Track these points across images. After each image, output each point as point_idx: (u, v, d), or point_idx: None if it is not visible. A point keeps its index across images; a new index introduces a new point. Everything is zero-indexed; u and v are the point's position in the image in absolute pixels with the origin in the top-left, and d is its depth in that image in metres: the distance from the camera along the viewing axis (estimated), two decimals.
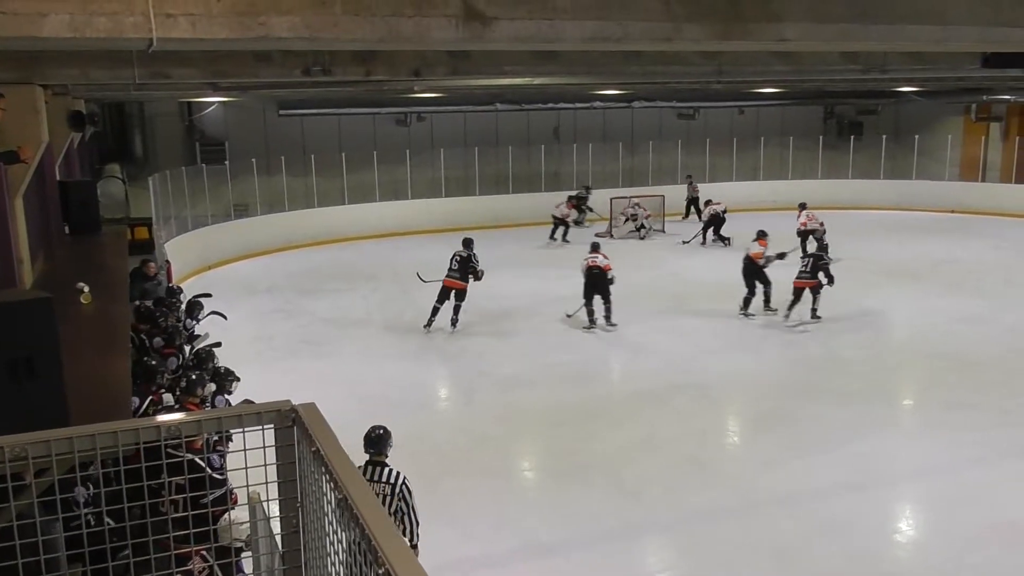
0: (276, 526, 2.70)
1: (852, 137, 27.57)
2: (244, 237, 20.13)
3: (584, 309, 13.50)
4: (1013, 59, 9.03)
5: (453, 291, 13.36)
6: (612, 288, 13.34)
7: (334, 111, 22.59)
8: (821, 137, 27.81)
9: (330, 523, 2.28)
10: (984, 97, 24.69)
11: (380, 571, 1.77)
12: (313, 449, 2.37)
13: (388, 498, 5.55)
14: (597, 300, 13.40)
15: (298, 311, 15.26)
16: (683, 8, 4.79)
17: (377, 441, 5.75)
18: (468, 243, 13.65)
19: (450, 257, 13.53)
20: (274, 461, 2.59)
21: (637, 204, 22.40)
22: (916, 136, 26.35)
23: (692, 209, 23.68)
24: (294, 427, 2.57)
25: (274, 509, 2.69)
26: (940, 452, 8.98)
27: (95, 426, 2.38)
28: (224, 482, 4.80)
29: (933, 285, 16.22)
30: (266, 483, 2.61)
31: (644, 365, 11.96)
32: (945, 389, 10.74)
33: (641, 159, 26.03)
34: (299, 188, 21.69)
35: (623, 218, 22.42)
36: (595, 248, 13.84)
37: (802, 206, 19.03)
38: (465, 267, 13.30)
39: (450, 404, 11.12)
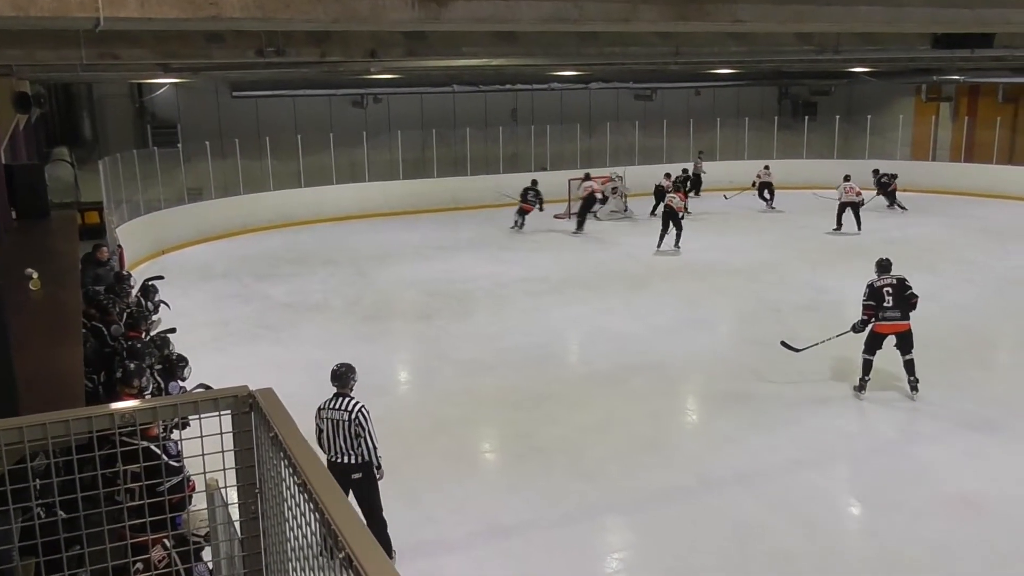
0: (235, 513, 2.67)
1: (806, 117, 27.90)
2: (198, 221, 19.86)
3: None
4: (962, 40, 9.17)
5: (896, 337, 9.68)
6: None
7: (289, 93, 22.31)
8: (776, 117, 28.13)
9: (289, 509, 2.27)
10: (934, 78, 25.12)
11: (341, 555, 1.77)
12: (271, 435, 2.35)
13: (346, 424, 6.32)
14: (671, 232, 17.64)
15: (255, 296, 15.11)
16: None
17: (341, 376, 6.53)
18: (888, 265, 9.99)
19: (871, 289, 9.72)
20: (232, 447, 2.57)
21: (619, 177, 22.38)
22: (868, 116, 26.75)
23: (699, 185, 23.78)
24: (252, 413, 2.55)
25: (232, 496, 2.67)
26: (893, 428, 9.17)
27: (46, 415, 2.33)
28: (181, 469, 4.75)
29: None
30: (224, 470, 2.59)
31: (601, 347, 12.02)
32: (897, 366, 10.92)
33: (598, 140, 26.10)
34: (254, 171, 21.41)
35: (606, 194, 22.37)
36: (677, 190, 18.85)
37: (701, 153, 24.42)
38: (903, 297, 9.63)
39: (410, 388, 11.10)
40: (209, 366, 9.03)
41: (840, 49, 11.70)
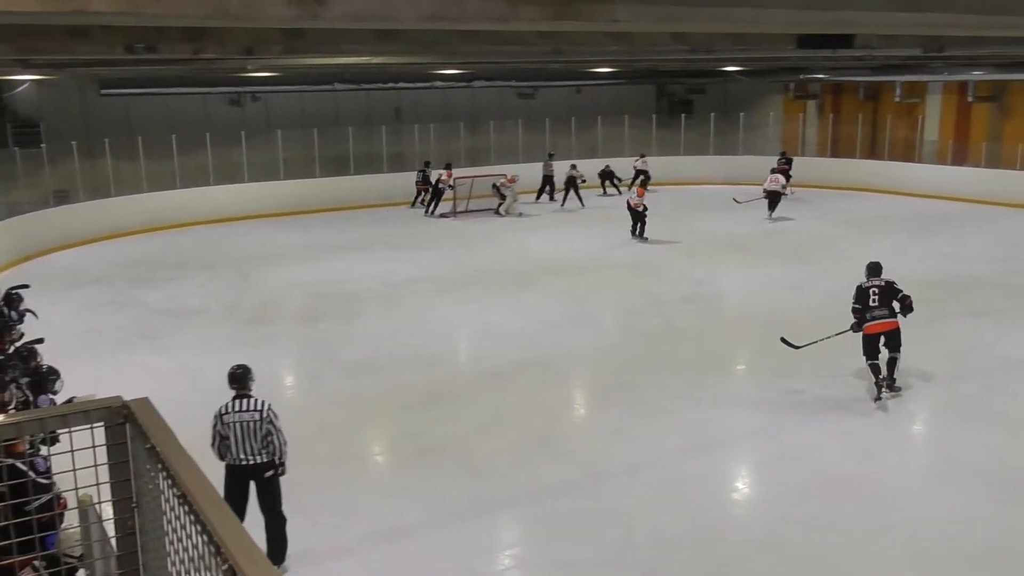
0: (110, 529, 2.57)
1: (683, 115, 28.74)
2: (66, 225, 18.97)
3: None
4: (824, 41, 9.64)
5: (884, 336, 9.49)
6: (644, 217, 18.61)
7: (162, 91, 21.53)
8: (654, 115, 28.87)
9: (169, 522, 2.19)
10: (800, 76, 26.31)
11: (224, 567, 1.72)
12: (148, 446, 2.27)
13: (258, 423, 6.29)
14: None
15: (130, 302, 14.53)
16: None
17: (240, 378, 6.49)
18: (879, 268, 9.69)
19: (859, 291, 9.57)
20: (106, 461, 2.47)
21: (509, 177, 22.60)
22: (741, 114, 27.74)
23: (548, 187, 24.29)
24: (126, 424, 2.45)
25: (107, 512, 2.57)
26: (770, 414, 9.52)
27: None
28: (50, 487, 4.52)
29: (761, 255, 17.15)
30: (97, 484, 2.49)
31: (490, 344, 12.08)
32: (773, 354, 11.37)
33: (482, 138, 26.21)
34: (126, 172, 20.59)
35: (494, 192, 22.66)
36: (635, 189, 20.29)
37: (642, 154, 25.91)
38: (890, 298, 9.43)
39: (296, 392, 10.89)
40: (82, 377, 8.64)
41: (713, 49, 12.12)
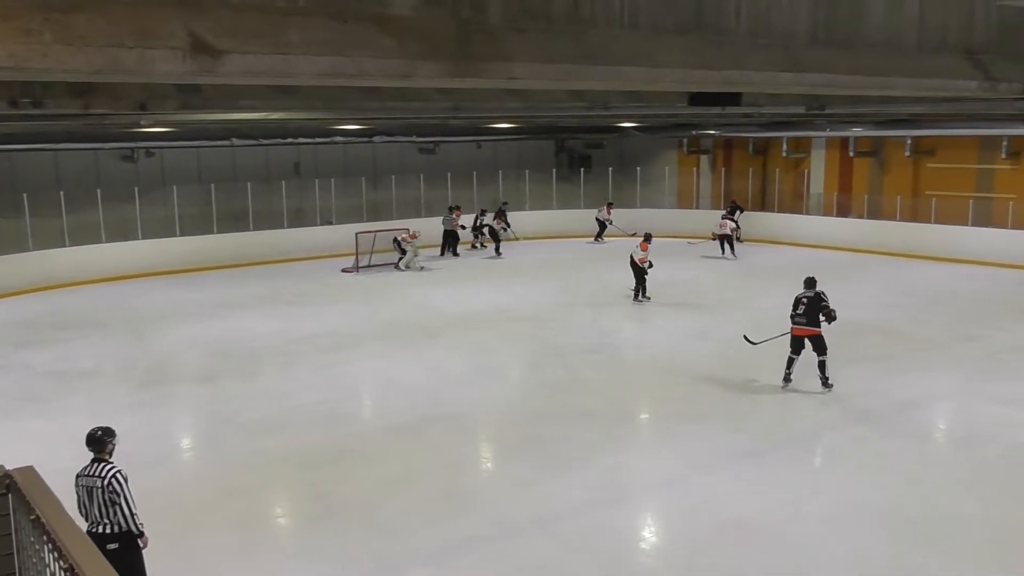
0: None
1: (582, 169, 29.44)
2: None
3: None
4: (714, 98, 10.01)
5: (808, 341, 11.61)
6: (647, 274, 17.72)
7: (49, 146, 20.84)
8: (554, 169, 29.45)
9: None
10: (693, 132, 27.28)
11: None
12: (32, 517, 2.16)
13: (100, 490, 6.06)
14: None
15: (14, 365, 13.85)
16: (417, 46, 4.87)
17: (97, 440, 6.27)
18: (812, 282, 11.74)
19: (795, 300, 11.68)
20: None
21: (411, 232, 22.61)
22: (638, 168, 28.55)
23: (451, 243, 24.69)
24: (8, 495, 2.33)
25: None
26: (674, 461, 9.66)
27: None
28: None
29: (661, 306, 17.51)
30: None
31: (395, 400, 11.95)
32: (675, 402, 11.62)
33: (384, 193, 26.24)
34: (10, 230, 19.77)
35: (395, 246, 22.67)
36: (639, 244, 17.90)
37: (609, 204, 27.09)
38: (815, 309, 11.43)
39: (193, 455, 10.52)
40: None
41: (609, 105, 12.45)
